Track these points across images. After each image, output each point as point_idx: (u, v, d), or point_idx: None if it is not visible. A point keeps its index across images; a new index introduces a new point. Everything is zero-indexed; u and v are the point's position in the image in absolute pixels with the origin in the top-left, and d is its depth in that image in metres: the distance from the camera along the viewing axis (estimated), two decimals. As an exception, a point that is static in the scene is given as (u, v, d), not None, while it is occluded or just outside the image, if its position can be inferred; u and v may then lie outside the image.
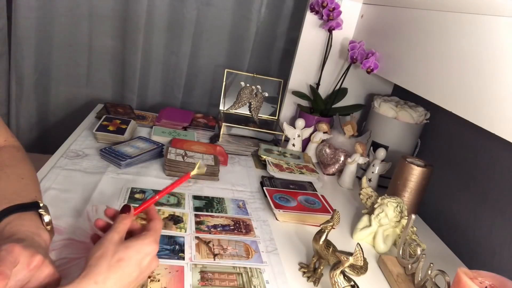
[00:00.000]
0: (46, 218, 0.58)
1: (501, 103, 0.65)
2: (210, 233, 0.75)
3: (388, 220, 0.82)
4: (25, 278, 0.48)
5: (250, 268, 0.68)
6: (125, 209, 0.58)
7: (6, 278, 0.43)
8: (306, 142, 1.24)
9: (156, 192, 0.84)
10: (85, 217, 0.72)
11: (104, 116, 1.14)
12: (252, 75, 1.30)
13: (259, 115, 1.27)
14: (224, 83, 1.28)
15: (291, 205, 0.90)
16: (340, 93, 1.27)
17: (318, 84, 1.29)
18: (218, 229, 0.77)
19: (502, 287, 0.55)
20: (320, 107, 1.28)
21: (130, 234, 0.57)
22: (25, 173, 0.64)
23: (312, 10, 1.20)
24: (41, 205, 0.58)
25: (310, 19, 1.24)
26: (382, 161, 1.09)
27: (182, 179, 0.63)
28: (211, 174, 0.96)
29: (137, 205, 0.61)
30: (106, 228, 0.57)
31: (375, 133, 1.16)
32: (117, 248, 0.51)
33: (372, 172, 1.09)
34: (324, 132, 1.20)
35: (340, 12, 1.17)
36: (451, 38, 0.80)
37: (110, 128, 1.07)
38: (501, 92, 0.65)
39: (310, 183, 1.06)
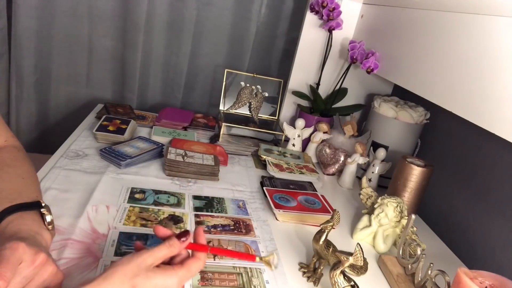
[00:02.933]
0: (48, 218, 0.58)
1: (501, 103, 0.65)
2: (210, 233, 0.75)
3: (388, 220, 0.82)
4: (30, 275, 0.47)
5: (250, 268, 0.68)
6: (183, 235, 0.52)
7: (6, 282, 0.42)
8: (306, 142, 1.24)
9: (154, 196, 0.84)
10: (85, 217, 0.72)
11: (104, 116, 1.14)
12: (252, 75, 1.30)
13: (259, 115, 1.27)
14: (224, 83, 1.28)
15: (291, 205, 0.90)
16: (340, 93, 1.27)
17: (318, 84, 1.29)
18: (218, 229, 0.77)
19: (502, 287, 0.55)
20: (320, 107, 1.28)
21: (173, 256, 0.52)
22: (26, 173, 0.65)
23: (312, 10, 1.20)
24: (43, 204, 0.58)
25: (310, 19, 1.24)
26: (382, 161, 1.09)
27: (246, 257, 0.58)
28: (211, 174, 0.96)
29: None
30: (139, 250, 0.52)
31: (375, 133, 1.16)
32: (139, 273, 0.47)
33: (372, 172, 1.09)
34: (324, 132, 1.20)
35: (340, 12, 1.17)
36: (451, 38, 0.80)
37: (110, 128, 1.07)
38: (501, 92, 0.65)
39: (310, 183, 1.06)
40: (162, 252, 0.49)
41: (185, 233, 0.52)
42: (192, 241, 0.53)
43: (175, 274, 0.49)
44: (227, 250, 0.58)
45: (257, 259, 0.54)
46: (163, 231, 0.53)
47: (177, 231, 0.56)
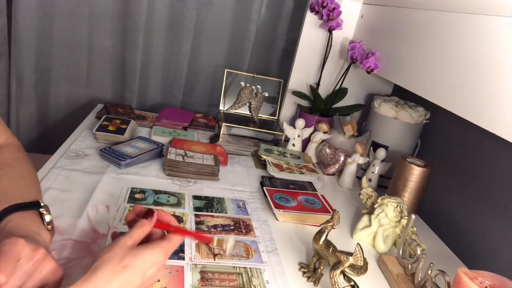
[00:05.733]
0: (47, 218, 0.58)
1: (501, 103, 0.65)
2: (210, 233, 0.75)
3: (388, 220, 0.82)
4: (29, 270, 0.47)
5: (250, 268, 0.68)
6: (149, 213, 0.56)
7: (7, 276, 0.43)
8: (306, 142, 1.24)
9: (154, 196, 0.84)
10: (85, 217, 0.72)
11: (104, 116, 1.14)
12: (252, 75, 1.30)
13: (259, 115, 1.27)
14: (224, 83, 1.28)
15: (291, 205, 0.90)
16: (340, 93, 1.27)
17: (318, 84, 1.29)
18: (218, 229, 0.77)
19: (502, 287, 0.55)
20: (320, 107, 1.28)
21: (149, 237, 0.56)
22: (26, 173, 0.65)
23: (312, 10, 1.20)
24: (42, 204, 0.58)
25: (310, 19, 1.24)
26: (382, 161, 1.09)
27: (204, 239, 0.62)
28: (211, 174, 0.96)
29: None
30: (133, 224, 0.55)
31: (375, 133, 1.16)
32: (126, 254, 0.50)
33: (372, 172, 1.09)
34: (324, 132, 1.20)
35: (340, 12, 1.17)
36: (451, 38, 0.80)
37: (110, 128, 1.07)
38: (501, 92, 0.65)
39: (310, 183, 1.06)
40: (136, 233, 0.53)
41: (149, 212, 0.56)
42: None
43: (159, 245, 0.53)
44: (189, 232, 0.62)
45: (215, 243, 0.59)
46: (132, 217, 0.57)
47: None
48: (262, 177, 1.04)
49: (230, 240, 0.60)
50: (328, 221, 0.69)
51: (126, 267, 0.49)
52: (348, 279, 0.63)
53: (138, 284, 0.50)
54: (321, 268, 0.70)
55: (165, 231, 0.58)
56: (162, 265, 0.53)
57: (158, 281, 0.60)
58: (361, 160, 1.09)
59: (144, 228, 0.54)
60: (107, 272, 0.47)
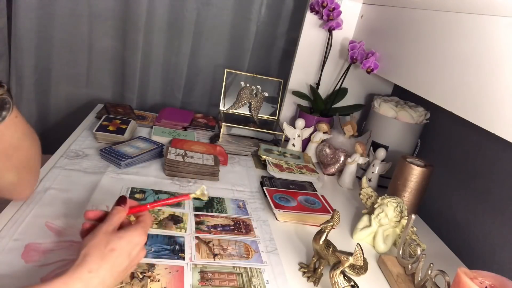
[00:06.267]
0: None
1: (501, 103, 0.65)
2: (210, 233, 0.75)
3: (388, 220, 0.82)
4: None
5: (250, 268, 0.68)
6: (121, 200, 0.60)
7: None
8: (306, 142, 1.24)
9: (154, 196, 0.84)
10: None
11: (104, 116, 1.14)
12: (252, 75, 1.30)
13: (259, 115, 1.27)
14: (224, 83, 1.28)
15: (291, 205, 0.90)
16: (340, 93, 1.27)
17: (318, 84, 1.29)
18: (218, 229, 0.77)
19: (502, 287, 0.55)
20: (320, 107, 1.28)
21: (120, 226, 0.58)
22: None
23: (312, 10, 1.20)
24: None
25: (310, 19, 1.24)
26: (382, 161, 1.09)
27: (181, 197, 0.64)
28: (211, 174, 0.96)
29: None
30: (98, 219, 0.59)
31: (375, 133, 1.16)
32: (110, 238, 0.53)
33: (372, 172, 1.09)
34: (324, 132, 1.20)
35: (340, 12, 1.17)
36: (451, 38, 0.80)
37: (110, 128, 1.07)
38: (501, 92, 0.65)
39: (310, 183, 1.06)
40: (114, 219, 0.56)
41: (121, 199, 0.60)
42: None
43: (136, 226, 0.57)
44: (163, 201, 0.64)
45: (191, 196, 0.62)
46: (93, 212, 0.59)
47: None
48: (262, 177, 1.04)
49: (200, 188, 0.63)
50: (328, 221, 0.69)
51: (114, 250, 0.52)
52: (348, 279, 0.63)
53: (126, 264, 0.54)
54: (321, 268, 0.70)
55: (131, 216, 0.62)
56: (143, 244, 0.57)
57: (158, 280, 0.60)
58: (361, 160, 1.09)
59: (121, 214, 0.58)
60: (97, 257, 0.51)
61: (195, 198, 0.63)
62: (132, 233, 0.56)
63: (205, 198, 0.63)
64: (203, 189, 0.63)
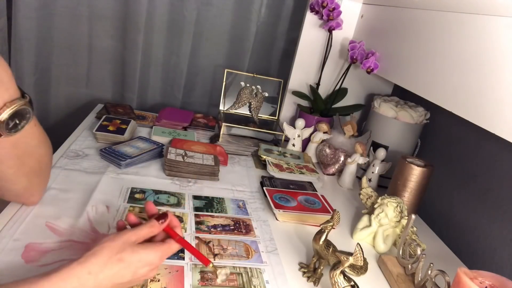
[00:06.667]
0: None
1: (501, 103, 0.65)
2: (210, 233, 0.75)
3: (388, 220, 0.82)
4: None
5: (250, 268, 0.68)
6: (162, 216, 0.59)
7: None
8: (306, 142, 1.24)
9: (154, 196, 0.84)
10: (85, 218, 0.72)
11: (104, 116, 1.14)
12: (252, 75, 1.30)
13: (259, 115, 1.27)
14: (224, 83, 1.28)
15: (291, 205, 0.90)
16: (340, 93, 1.27)
17: (318, 84, 1.29)
18: (218, 229, 0.77)
19: (502, 287, 0.55)
20: (320, 107, 1.28)
21: (151, 237, 0.58)
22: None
23: (312, 10, 1.20)
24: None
25: (310, 19, 1.24)
26: (382, 161, 1.09)
27: (202, 259, 0.59)
28: (211, 174, 0.96)
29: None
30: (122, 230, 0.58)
31: (375, 133, 1.16)
32: (125, 248, 0.52)
33: (372, 172, 1.09)
34: (324, 132, 1.20)
35: (340, 12, 1.17)
36: (451, 38, 0.80)
37: (110, 128, 1.07)
38: (501, 92, 0.65)
39: (310, 183, 1.06)
40: (143, 231, 0.55)
41: (164, 215, 0.59)
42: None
43: (158, 249, 0.55)
44: (190, 246, 0.60)
45: (210, 265, 0.58)
46: (134, 219, 0.59)
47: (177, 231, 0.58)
48: (262, 177, 1.04)
49: (224, 269, 0.58)
50: (328, 221, 0.69)
51: (121, 261, 0.51)
52: (348, 279, 0.63)
53: (127, 280, 0.53)
54: (321, 268, 0.70)
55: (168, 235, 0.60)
56: (155, 267, 0.56)
57: (158, 280, 0.60)
58: (361, 160, 1.09)
59: (153, 229, 0.57)
60: (103, 260, 0.50)
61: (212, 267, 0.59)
62: (149, 252, 0.54)
63: (216, 280, 0.58)
64: (227, 273, 0.58)
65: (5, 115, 0.53)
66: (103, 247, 0.51)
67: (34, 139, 0.63)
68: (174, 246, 0.58)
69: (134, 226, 0.58)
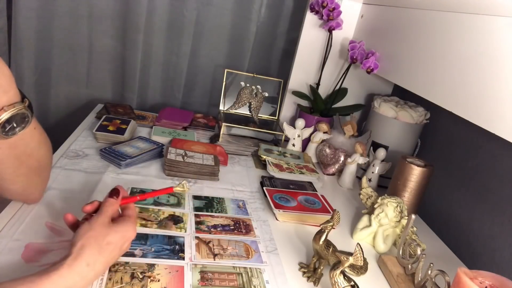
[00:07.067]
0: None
1: (501, 103, 0.65)
2: (210, 233, 0.75)
3: (388, 220, 0.82)
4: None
5: (250, 268, 0.68)
6: (114, 192, 0.63)
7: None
8: (306, 142, 1.24)
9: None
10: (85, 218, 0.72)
11: (104, 116, 1.14)
12: (252, 75, 1.30)
13: (259, 115, 1.27)
14: (224, 83, 1.28)
15: (291, 205, 0.90)
16: (340, 93, 1.27)
17: (318, 84, 1.29)
18: (218, 229, 0.77)
19: (502, 287, 0.55)
20: (320, 107, 1.28)
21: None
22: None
23: (312, 10, 1.20)
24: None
25: (310, 19, 1.24)
26: (382, 161, 1.09)
27: (165, 191, 0.69)
28: (211, 174, 0.96)
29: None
30: (74, 223, 0.61)
31: (375, 133, 1.16)
32: (108, 232, 0.55)
33: (372, 172, 1.09)
34: (324, 132, 1.20)
35: (340, 12, 1.17)
36: (451, 38, 0.80)
37: (110, 128, 1.07)
38: (501, 92, 0.65)
39: (310, 183, 1.06)
40: (108, 211, 0.59)
41: (115, 191, 0.63)
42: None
43: (129, 221, 0.60)
44: (151, 193, 0.69)
45: (176, 187, 0.68)
46: (91, 206, 0.61)
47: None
48: (262, 177, 1.04)
49: (182, 182, 0.69)
50: (328, 221, 0.69)
51: (110, 244, 0.55)
52: (348, 279, 0.63)
53: (117, 257, 0.59)
54: (321, 268, 0.70)
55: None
56: (132, 239, 0.61)
57: (158, 280, 0.60)
58: (361, 160, 1.09)
59: (114, 206, 0.61)
60: (95, 250, 0.53)
61: (177, 192, 0.69)
62: (126, 228, 0.59)
63: (187, 190, 0.69)
64: (185, 184, 0.68)
65: (2, 118, 0.53)
66: (89, 237, 0.53)
67: (33, 140, 0.63)
68: (133, 212, 0.63)
69: (73, 224, 0.60)
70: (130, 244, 0.61)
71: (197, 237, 0.73)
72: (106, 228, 0.56)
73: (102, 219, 0.56)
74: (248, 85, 1.26)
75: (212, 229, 0.77)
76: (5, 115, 0.54)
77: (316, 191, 1.02)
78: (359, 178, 1.14)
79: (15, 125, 0.56)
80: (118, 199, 0.62)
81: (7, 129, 0.55)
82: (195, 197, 0.87)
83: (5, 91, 0.54)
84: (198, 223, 0.78)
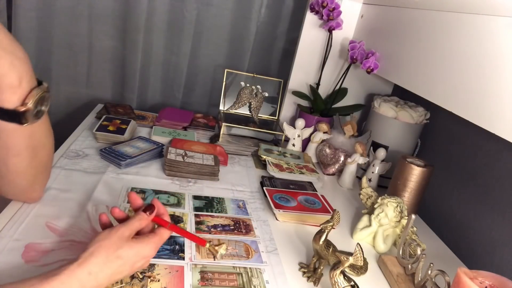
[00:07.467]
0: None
1: (501, 103, 0.65)
2: (210, 233, 0.75)
3: (388, 220, 0.82)
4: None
5: (250, 268, 0.68)
6: (149, 208, 0.59)
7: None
8: (306, 142, 1.24)
9: (154, 196, 0.84)
10: (85, 217, 0.72)
11: (104, 116, 1.14)
12: (252, 75, 1.30)
13: (259, 115, 1.27)
14: (224, 83, 1.28)
15: (291, 205, 0.90)
16: (340, 93, 1.27)
17: (318, 84, 1.29)
18: (218, 229, 0.77)
19: (502, 287, 0.55)
20: (320, 107, 1.28)
21: (138, 232, 0.59)
22: None
23: (312, 10, 1.20)
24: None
25: (310, 19, 1.24)
26: (382, 161, 1.09)
27: (197, 241, 0.62)
28: (211, 174, 0.96)
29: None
30: (107, 226, 0.58)
31: (375, 133, 1.16)
32: (121, 246, 0.53)
33: (372, 172, 1.09)
34: (324, 132, 1.20)
35: (340, 12, 1.17)
36: (451, 38, 0.80)
37: (110, 128, 1.07)
38: (501, 92, 0.65)
39: (310, 183, 1.06)
40: (134, 225, 0.56)
41: (150, 207, 0.60)
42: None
43: (151, 241, 0.57)
44: (182, 230, 0.63)
45: (207, 245, 0.61)
46: (119, 212, 0.60)
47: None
48: (262, 177, 1.04)
49: (223, 246, 0.61)
50: (328, 221, 0.69)
51: (120, 258, 0.53)
52: (348, 279, 0.63)
53: (126, 274, 0.55)
54: (321, 268, 0.70)
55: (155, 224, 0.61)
56: (150, 258, 0.58)
57: (158, 280, 0.60)
58: (361, 160, 1.09)
59: (143, 222, 0.58)
60: (102, 259, 0.51)
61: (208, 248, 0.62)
62: (144, 246, 0.56)
63: (218, 256, 0.62)
64: (225, 249, 0.62)
65: (32, 103, 0.55)
66: (100, 246, 0.52)
67: (46, 128, 0.63)
68: (165, 235, 0.59)
69: (120, 219, 0.59)
70: (145, 264, 0.58)
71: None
72: (121, 241, 0.53)
73: (122, 230, 0.54)
74: (248, 85, 1.26)
75: (212, 229, 0.77)
76: (34, 99, 0.55)
77: (316, 191, 1.02)
78: (359, 178, 1.14)
79: (40, 108, 0.58)
80: (150, 216, 0.59)
81: (35, 113, 0.57)
82: (195, 197, 0.87)
83: (32, 76, 0.56)
84: (198, 223, 0.78)
